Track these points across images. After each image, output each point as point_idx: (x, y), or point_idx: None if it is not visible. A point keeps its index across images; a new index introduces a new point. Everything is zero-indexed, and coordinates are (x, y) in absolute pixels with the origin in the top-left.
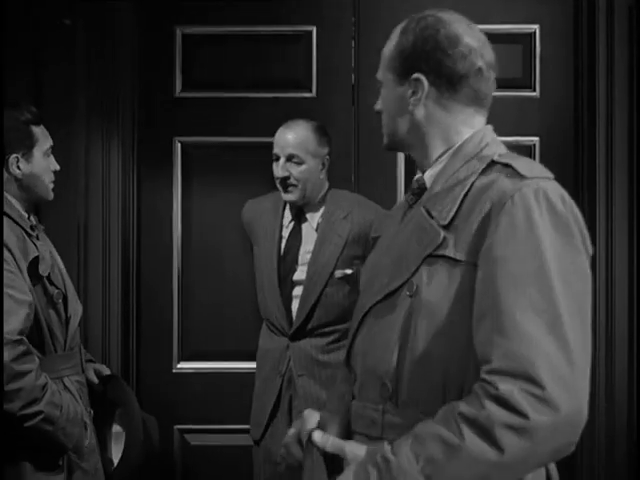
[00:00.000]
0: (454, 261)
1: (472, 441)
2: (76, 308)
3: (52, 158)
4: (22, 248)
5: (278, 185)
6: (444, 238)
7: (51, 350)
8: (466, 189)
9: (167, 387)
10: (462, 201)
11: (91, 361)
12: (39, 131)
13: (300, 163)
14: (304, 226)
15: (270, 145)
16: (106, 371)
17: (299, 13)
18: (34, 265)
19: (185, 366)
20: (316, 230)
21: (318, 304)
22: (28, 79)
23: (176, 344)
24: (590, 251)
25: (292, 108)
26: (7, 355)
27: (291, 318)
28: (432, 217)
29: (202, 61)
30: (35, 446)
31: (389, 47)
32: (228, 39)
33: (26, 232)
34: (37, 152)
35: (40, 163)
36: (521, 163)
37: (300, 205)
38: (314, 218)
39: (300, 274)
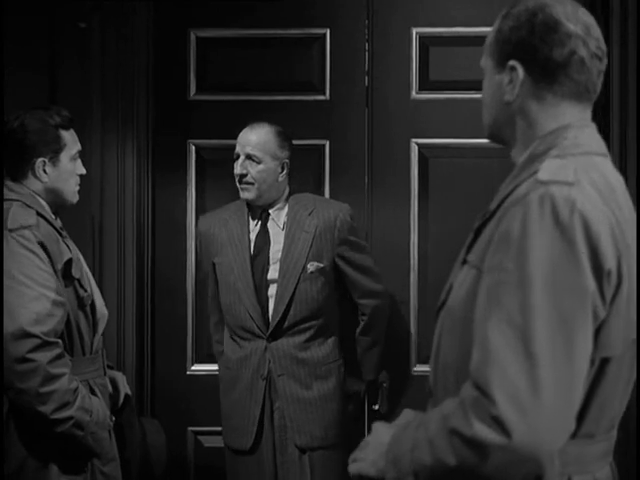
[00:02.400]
0: (471, 266)
1: (439, 438)
2: (103, 311)
3: (79, 162)
4: (57, 250)
5: (237, 183)
6: (473, 242)
7: (79, 353)
8: (506, 193)
9: (181, 389)
10: (499, 205)
11: (110, 367)
12: (68, 135)
13: (258, 162)
14: (270, 226)
15: None
16: (121, 380)
17: (313, 16)
18: (67, 267)
19: (199, 368)
20: (282, 229)
21: (293, 300)
22: (43, 82)
23: (190, 346)
24: (606, 267)
25: (306, 111)
26: (43, 357)
27: (267, 319)
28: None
29: (216, 64)
30: (64, 449)
31: (491, 32)
32: (242, 42)
33: (59, 233)
34: (64, 157)
35: (67, 167)
36: (550, 165)
37: (263, 206)
38: (280, 218)
39: (273, 273)
